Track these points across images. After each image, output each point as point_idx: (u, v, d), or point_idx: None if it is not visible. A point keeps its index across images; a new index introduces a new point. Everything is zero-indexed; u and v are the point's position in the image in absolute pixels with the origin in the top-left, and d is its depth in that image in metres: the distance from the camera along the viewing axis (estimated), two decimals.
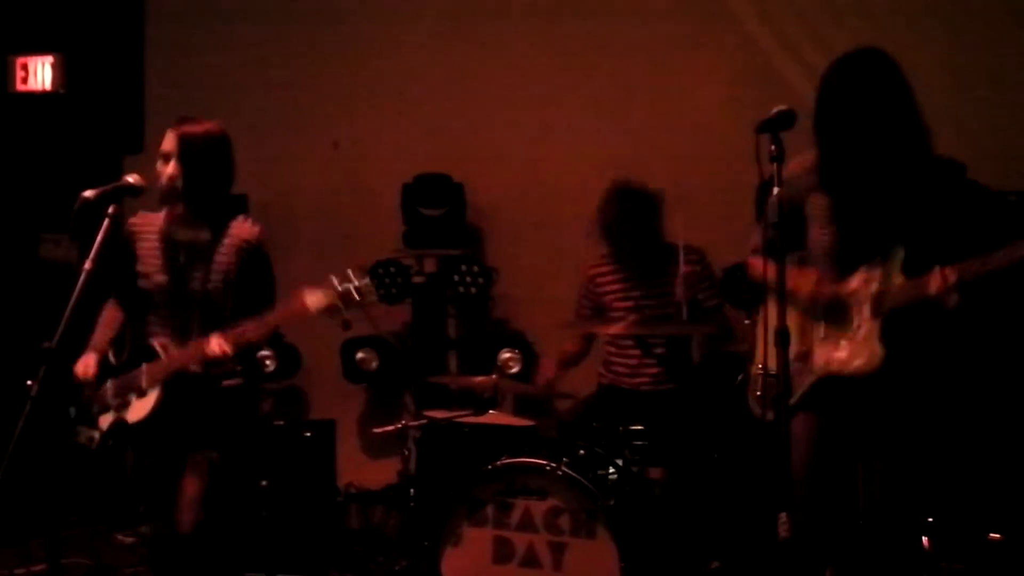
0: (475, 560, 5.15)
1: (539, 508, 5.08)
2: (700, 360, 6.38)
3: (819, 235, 4.27)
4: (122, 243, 4.65)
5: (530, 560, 5.08)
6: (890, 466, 4.04)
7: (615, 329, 5.77)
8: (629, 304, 5.92)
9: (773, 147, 3.70)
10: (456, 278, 7.31)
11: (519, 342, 7.01)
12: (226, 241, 4.63)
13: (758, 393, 4.35)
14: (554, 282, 7.07)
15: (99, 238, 4.06)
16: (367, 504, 7.23)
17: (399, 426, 5.92)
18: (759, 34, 6.86)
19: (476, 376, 6.09)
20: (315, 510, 6.61)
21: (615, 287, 6.08)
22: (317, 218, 8.02)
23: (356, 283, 4.52)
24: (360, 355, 7.42)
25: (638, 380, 5.98)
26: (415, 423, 6.03)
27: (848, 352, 4.11)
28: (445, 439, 6.05)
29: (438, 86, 7.83)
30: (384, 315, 7.51)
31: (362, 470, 7.45)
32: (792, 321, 4.31)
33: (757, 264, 4.43)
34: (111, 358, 4.74)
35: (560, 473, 5.03)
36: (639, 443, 5.42)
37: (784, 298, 3.61)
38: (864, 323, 4.07)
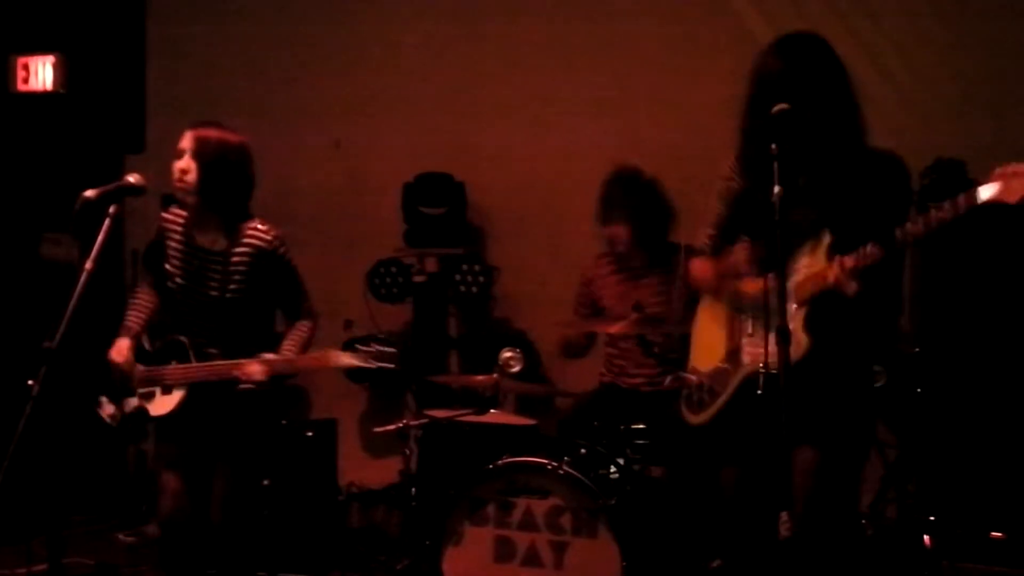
0: (476, 559, 5.15)
1: (540, 507, 5.08)
2: None
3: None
4: (157, 237, 4.92)
5: (531, 559, 5.08)
6: (820, 456, 3.92)
7: (614, 329, 5.76)
8: (628, 304, 5.90)
9: (773, 146, 3.65)
10: (457, 277, 7.31)
11: (520, 341, 7.00)
12: (240, 248, 4.74)
13: (687, 397, 4.33)
14: (555, 281, 7.07)
15: (100, 238, 4.06)
16: (369, 503, 7.23)
17: (400, 425, 5.91)
18: (760, 33, 6.85)
19: (477, 375, 6.09)
20: (317, 509, 6.62)
21: (614, 288, 6.08)
22: (318, 217, 8.01)
23: (383, 352, 4.73)
24: None
25: (638, 379, 5.97)
26: (416, 422, 6.03)
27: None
28: (446, 438, 6.04)
29: (439, 86, 7.83)
30: (385, 314, 7.52)
31: (364, 469, 7.45)
32: (720, 320, 4.31)
33: (697, 267, 4.41)
34: (146, 343, 4.91)
35: (561, 472, 5.03)
36: (640, 442, 5.42)
37: (783, 296, 3.56)
38: (790, 313, 3.83)
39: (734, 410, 4.13)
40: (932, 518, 5.73)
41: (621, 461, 5.35)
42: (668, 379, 5.44)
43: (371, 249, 7.54)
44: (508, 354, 5.88)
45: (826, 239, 3.92)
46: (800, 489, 3.67)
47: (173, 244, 4.85)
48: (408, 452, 5.97)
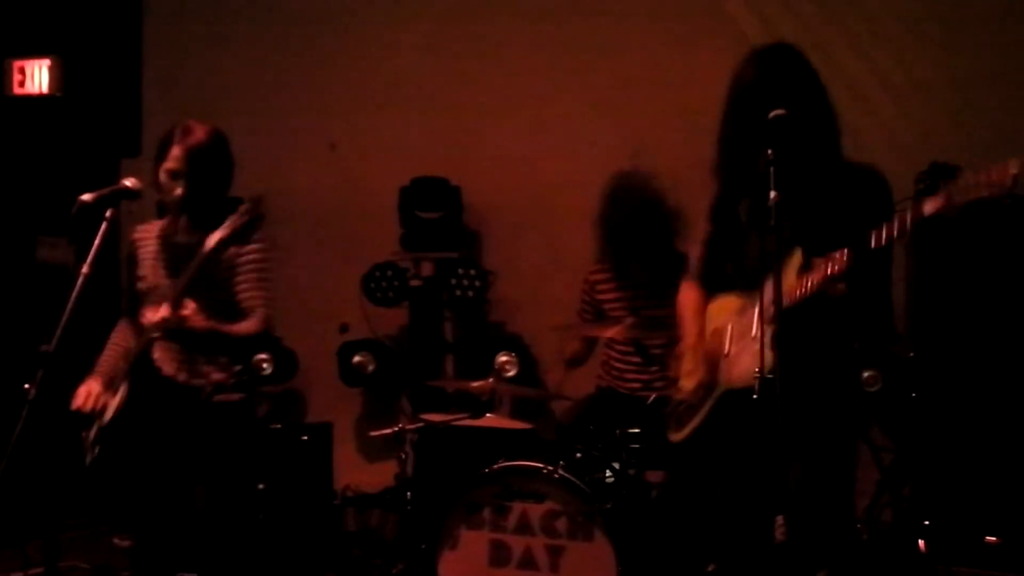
0: (472, 563, 5.15)
1: (536, 511, 5.08)
2: None
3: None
4: (130, 259, 4.74)
5: (527, 563, 5.08)
6: (805, 470, 3.89)
7: (612, 333, 5.76)
8: (628, 310, 5.89)
9: (769, 151, 3.64)
10: (453, 281, 7.31)
11: (516, 345, 7.02)
12: (226, 245, 4.58)
13: (671, 415, 4.33)
14: (551, 285, 7.08)
15: (97, 241, 4.06)
16: (364, 507, 7.23)
17: (396, 429, 5.91)
18: (755, 36, 6.87)
19: (473, 379, 6.09)
20: (312, 513, 6.62)
21: (614, 294, 6.07)
22: (314, 220, 8.02)
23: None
24: (357, 358, 7.41)
25: (636, 384, 5.98)
26: (412, 426, 6.03)
27: (749, 362, 3.86)
28: (442, 442, 6.05)
29: (435, 88, 7.83)
30: (381, 318, 7.52)
31: (359, 473, 7.46)
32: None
33: (680, 295, 4.41)
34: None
35: (557, 476, 5.03)
36: (636, 446, 5.42)
37: (780, 301, 3.55)
38: (760, 331, 3.83)
39: (713, 426, 4.13)
40: (927, 522, 5.73)
41: (617, 465, 5.35)
42: (652, 397, 5.50)
43: (367, 253, 7.53)
44: (504, 358, 5.90)
45: (797, 259, 3.88)
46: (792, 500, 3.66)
47: (147, 251, 4.74)
48: (404, 456, 5.97)
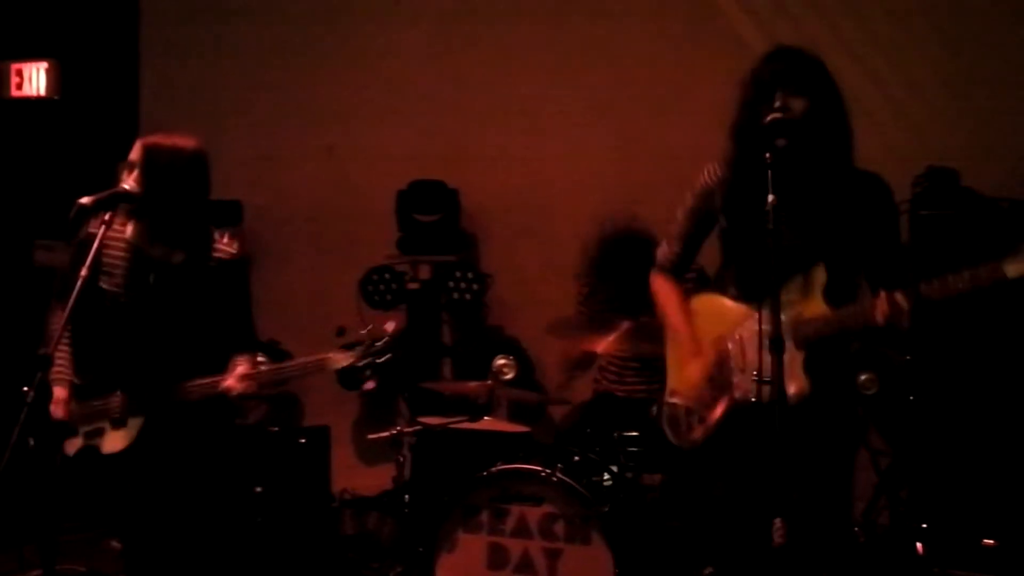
0: (470, 566, 5.14)
1: (534, 514, 5.07)
2: None
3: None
4: (83, 247, 4.25)
5: (525, 566, 5.07)
6: (801, 475, 3.86)
7: (606, 345, 5.75)
8: (623, 318, 5.88)
9: (768, 154, 3.64)
10: (450, 284, 7.31)
11: (513, 348, 7.02)
12: (201, 264, 4.41)
13: (673, 421, 4.31)
14: (548, 288, 7.08)
15: (94, 244, 4.05)
16: (362, 510, 7.22)
17: (394, 432, 5.91)
18: (751, 37, 6.88)
19: (470, 382, 6.09)
20: (310, 516, 6.61)
21: (607, 305, 6.08)
22: (312, 224, 8.03)
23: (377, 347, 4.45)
24: None
25: (633, 388, 5.97)
26: (410, 429, 6.02)
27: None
28: (440, 445, 6.05)
29: (433, 92, 7.84)
30: (378, 321, 7.51)
31: (357, 476, 7.45)
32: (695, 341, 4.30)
33: (656, 283, 4.37)
34: (75, 379, 4.51)
35: (555, 479, 5.02)
36: (633, 450, 5.42)
37: (778, 306, 3.55)
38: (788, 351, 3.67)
39: (724, 434, 4.12)
40: (924, 525, 5.73)
41: (615, 468, 5.35)
42: (653, 408, 5.48)
43: (364, 256, 7.54)
44: (501, 361, 5.89)
45: (820, 277, 3.89)
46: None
47: (113, 254, 4.42)
48: (401, 459, 5.97)
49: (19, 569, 5.96)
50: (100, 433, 4.45)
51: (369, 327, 4.53)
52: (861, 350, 4.56)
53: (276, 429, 6.88)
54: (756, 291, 3.88)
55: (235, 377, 4.35)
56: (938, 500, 5.88)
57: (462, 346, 7.64)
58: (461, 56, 7.81)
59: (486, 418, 5.91)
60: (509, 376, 5.90)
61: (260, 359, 4.51)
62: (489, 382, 5.89)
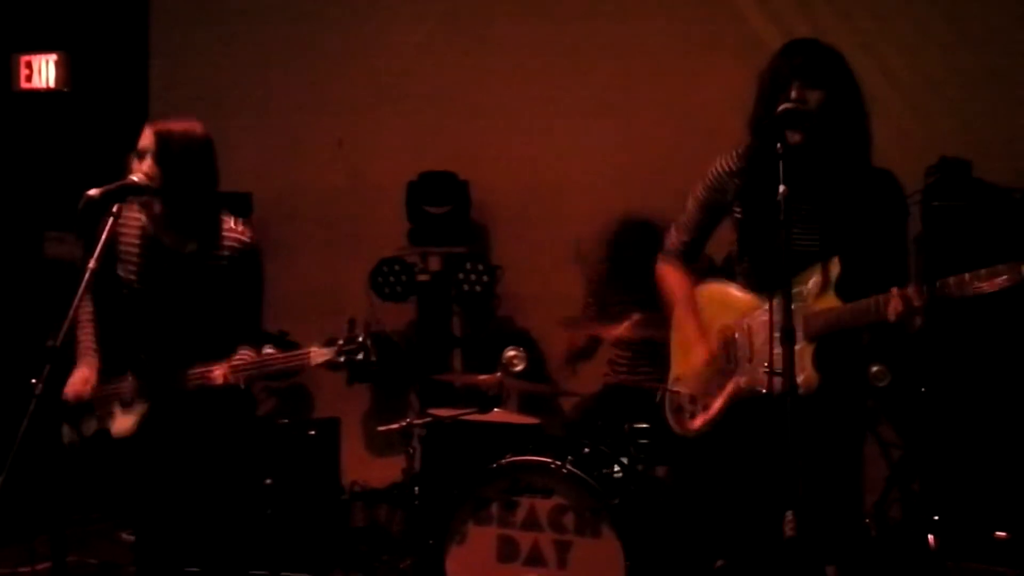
0: (480, 558, 5.14)
1: (544, 506, 5.07)
2: None
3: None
4: (107, 239, 4.22)
5: (535, 559, 5.07)
6: (811, 467, 3.83)
7: (618, 332, 5.74)
8: (635, 309, 5.88)
9: (779, 145, 3.62)
10: (461, 276, 7.30)
11: (524, 340, 7.00)
12: (215, 252, 4.41)
13: (676, 408, 4.30)
14: (559, 279, 7.07)
15: (103, 237, 4.04)
16: (372, 502, 7.22)
17: (404, 424, 5.90)
18: (765, 33, 6.85)
19: (481, 374, 6.08)
20: (319, 508, 6.60)
21: (619, 294, 6.06)
22: (321, 216, 8.02)
23: (361, 345, 4.36)
24: None
25: (643, 378, 5.96)
26: (420, 421, 6.01)
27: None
28: (450, 437, 6.04)
29: (443, 83, 7.82)
30: (388, 313, 7.51)
31: (367, 468, 7.44)
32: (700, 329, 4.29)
33: (663, 269, 4.39)
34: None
35: (565, 471, 5.02)
36: (644, 441, 5.41)
37: (789, 298, 3.52)
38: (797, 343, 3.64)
39: (730, 423, 4.10)
40: (936, 518, 5.72)
41: (625, 460, 5.35)
42: (659, 394, 5.46)
43: (374, 248, 7.53)
44: (512, 353, 5.88)
45: (835, 270, 3.88)
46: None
47: (128, 244, 4.46)
48: (411, 451, 5.96)
49: (30, 561, 5.95)
50: (111, 415, 4.51)
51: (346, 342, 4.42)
52: (872, 342, 4.52)
53: (286, 421, 6.87)
54: (767, 282, 3.85)
55: (220, 368, 4.34)
56: (950, 492, 5.87)
57: (472, 338, 7.63)
58: (471, 49, 7.79)
59: (496, 410, 5.91)
60: (519, 368, 5.88)
61: (268, 350, 4.50)
62: (499, 374, 5.88)
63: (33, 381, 3.68)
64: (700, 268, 4.51)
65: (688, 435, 4.24)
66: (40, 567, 5.95)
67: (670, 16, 7.34)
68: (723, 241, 4.39)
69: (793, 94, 3.77)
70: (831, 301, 3.87)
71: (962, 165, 6.15)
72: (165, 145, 4.32)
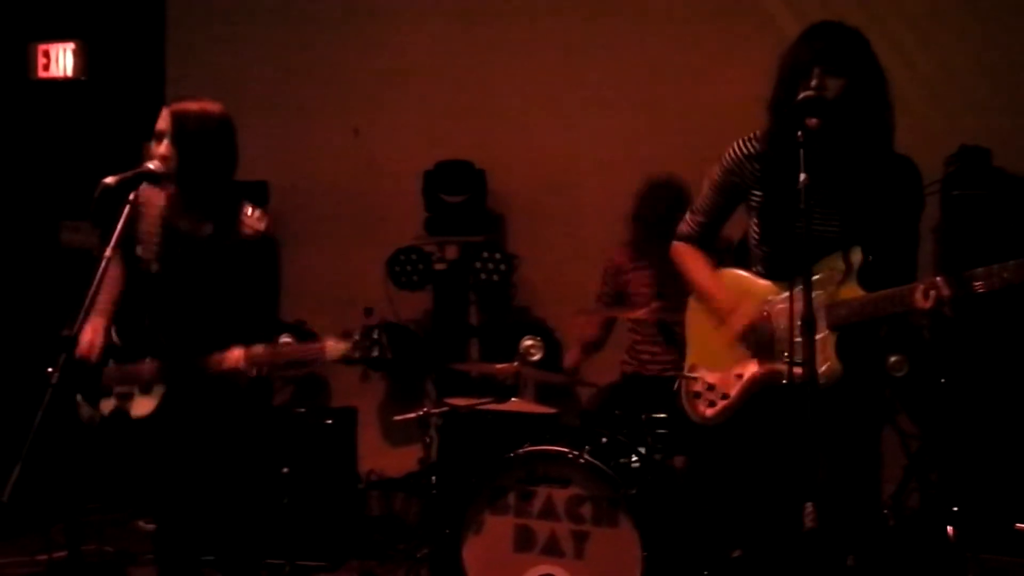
0: (496, 548, 5.13)
1: (561, 496, 5.06)
2: None
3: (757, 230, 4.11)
4: (130, 219, 4.20)
5: (552, 548, 5.06)
6: (829, 457, 3.80)
7: (636, 315, 5.74)
8: (653, 293, 5.87)
9: (800, 133, 3.59)
10: (478, 265, 7.29)
11: (541, 329, 6.99)
12: (230, 237, 4.42)
13: (693, 395, 4.27)
14: (576, 268, 7.05)
15: (119, 225, 4.03)
16: (388, 491, 7.23)
17: (420, 413, 5.89)
18: (789, 28, 6.81)
19: (498, 363, 6.07)
20: (336, 497, 6.61)
21: (640, 275, 6.05)
22: (338, 205, 8.02)
23: (376, 340, 4.37)
24: None
25: (662, 367, 5.95)
26: (436, 410, 6.00)
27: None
28: (466, 426, 6.04)
29: (459, 72, 7.81)
30: (405, 302, 7.51)
31: (383, 457, 7.45)
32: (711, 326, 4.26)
33: (679, 250, 4.35)
34: (114, 336, 4.53)
35: (582, 461, 5.00)
36: (662, 431, 5.39)
37: (809, 285, 3.48)
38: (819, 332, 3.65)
39: (748, 412, 4.08)
40: (955, 509, 5.69)
41: (642, 450, 5.33)
42: (676, 382, 5.44)
43: (391, 237, 7.53)
44: (529, 342, 5.86)
45: (857, 258, 3.85)
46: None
47: (147, 226, 4.48)
48: (428, 440, 5.95)
49: (46, 550, 5.97)
50: (130, 396, 4.49)
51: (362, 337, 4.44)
52: (891, 332, 4.50)
53: (303, 410, 6.88)
54: (788, 269, 3.81)
55: (232, 356, 4.35)
56: (969, 483, 5.84)
57: (489, 327, 7.61)
58: (487, 38, 7.77)
59: (513, 399, 5.89)
60: (536, 357, 5.86)
61: (285, 339, 4.49)
62: (516, 363, 5.86)
63: (49, 370, 3.67)
64: (719, 251, 4.48)
65: (705, 423, 4.21)
66: (56, 555, 5.97)
67: (692, 13, 7.31)
68: (734, 229, 4.36)
69: (813, 82, 3.72)
70: (854, 290, 3.84)
71: (982, 154, 6.12)
72: (181, 125, 4.35)
